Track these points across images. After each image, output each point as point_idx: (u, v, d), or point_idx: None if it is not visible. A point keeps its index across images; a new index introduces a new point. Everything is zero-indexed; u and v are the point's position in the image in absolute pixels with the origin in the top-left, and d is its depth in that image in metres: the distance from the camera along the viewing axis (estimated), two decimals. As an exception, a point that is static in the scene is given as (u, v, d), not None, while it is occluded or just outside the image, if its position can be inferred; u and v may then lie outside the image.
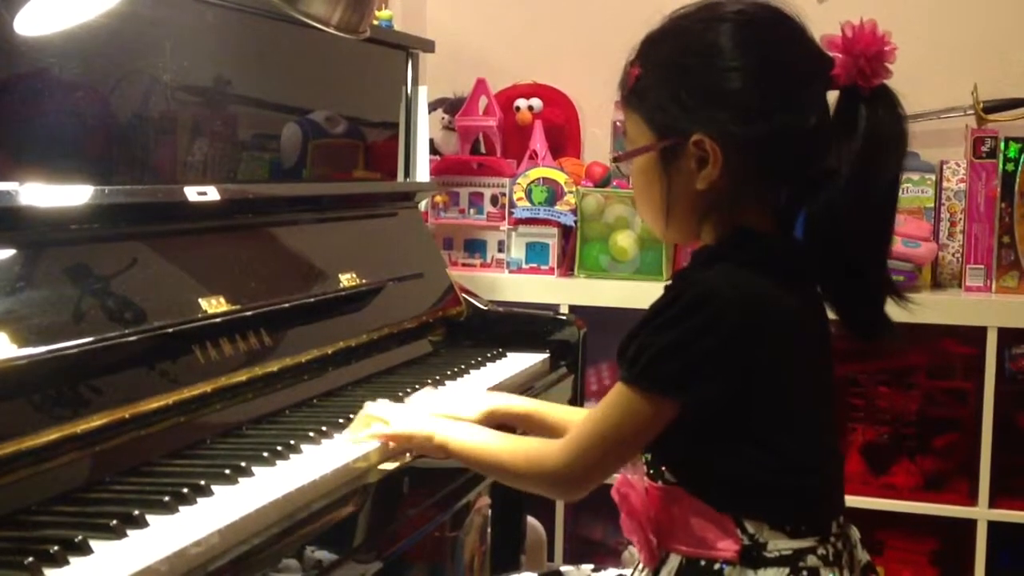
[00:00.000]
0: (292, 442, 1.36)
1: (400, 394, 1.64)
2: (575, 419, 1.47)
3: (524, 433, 1.49)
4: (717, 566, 1.17)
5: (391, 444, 1.39)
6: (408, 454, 1.40)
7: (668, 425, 1.17)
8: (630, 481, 1.25)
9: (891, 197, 1.21)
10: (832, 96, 1.21)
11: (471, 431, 1.37)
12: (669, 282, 1.24)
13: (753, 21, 1.19)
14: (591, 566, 1.42)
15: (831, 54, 1.19)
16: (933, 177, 2.54)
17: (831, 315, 1.25)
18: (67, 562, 1.00)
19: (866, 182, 1.17)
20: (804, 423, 1.20)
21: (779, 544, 1.16)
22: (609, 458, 1.21)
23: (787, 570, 1.15)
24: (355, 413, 1.52)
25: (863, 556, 1.25)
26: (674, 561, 1.20)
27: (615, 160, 1.31)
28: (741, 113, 1.16)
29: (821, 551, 1.17)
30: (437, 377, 1.78)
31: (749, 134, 1.16)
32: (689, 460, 1.19)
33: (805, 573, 1.16)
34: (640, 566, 1.28)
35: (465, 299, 2.16)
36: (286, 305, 1.63)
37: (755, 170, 1.18)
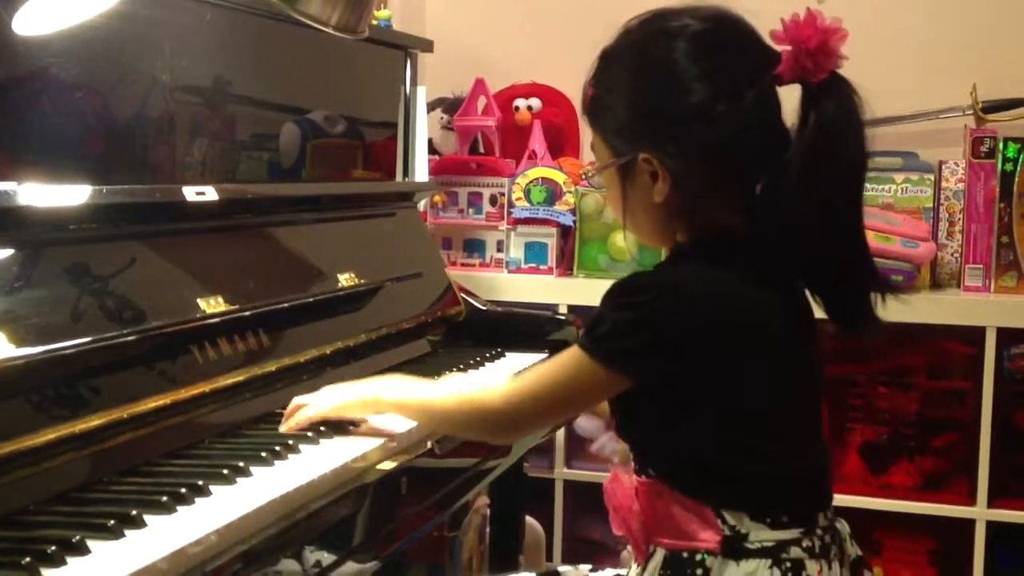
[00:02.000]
0: (290, 442, 1.36)
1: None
2: None
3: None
4: (699, 557, 1.17)
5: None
6: (406, 454, 1.40)
7: (645, 414, 1.20)
8: (619, 477, 1.26)
9: (850, 189, 1.20)
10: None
11: (404, 382, 1.41)
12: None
13: (695, 33, 1.20)
14: (589, 566, 1.42)
15: (779, 48, 1.18)
16: (932, 177, 2.54)
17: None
18: (65, 562, 0.99)
19: (817, 175, 1.16)
20: (780, 415, 1.21)
21: (761, 535, 1.16)
22: (548, 413, 1.28)
23: (769, 562, 1.16)
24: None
25: (853, 550, 1.25)
26: (659, 555, 1.21)
27: (584, 176, 1.37)
28: (685, 127, 1.18)
29: (806, 543, 1.17)
30: (436, 377, 1.77)
31: (694, 145, 1.18)
32: (666, 450, 1.21)
33: (788, 564, 1.16)
34: (634, 566, 1.28)
35: (464, 299, 2.16)
36: (284, 305, 1.63)
37: (712, 176, 1.20)
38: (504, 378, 1.33)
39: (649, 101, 1.21)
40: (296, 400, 1.45)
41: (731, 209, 1.22)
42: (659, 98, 1.20)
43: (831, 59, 1.16)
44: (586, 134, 2.87)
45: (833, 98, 1.17)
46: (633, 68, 1.23)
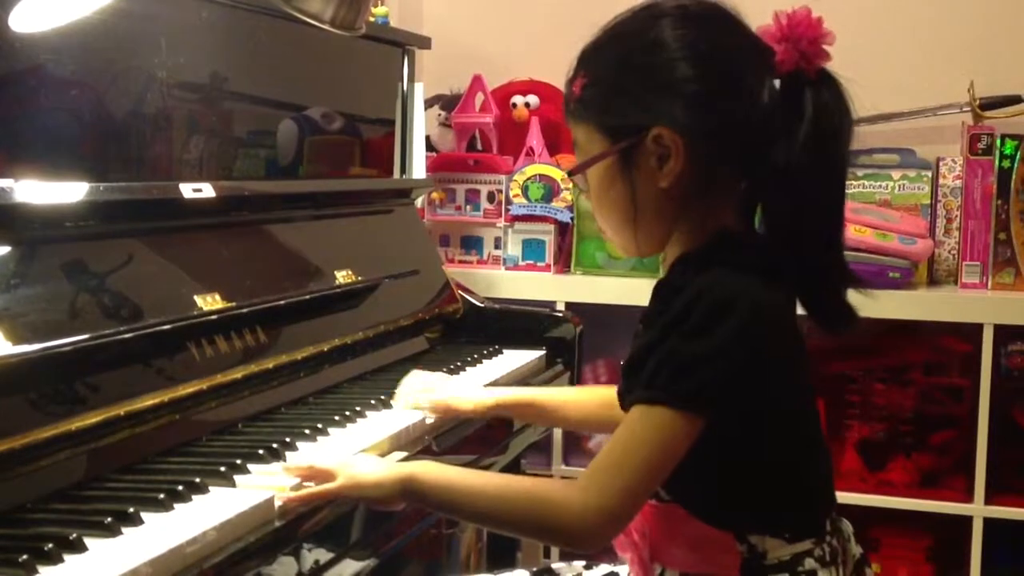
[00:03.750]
0: (288, 439, 1.36)
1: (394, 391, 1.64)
2: (583, 399, 1.47)
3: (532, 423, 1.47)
4: None
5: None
6: (404, 451, 1.39)
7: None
8: None
9: (843, 182, 1.19)
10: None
11: (445, 469, 1.18)
12: (657, 291, 1.21)
13: (694, 15, 1.18)
14: (583, 563, 1.42)
15: (770, 45, 1.17)
16: (929, 174, 2.54)
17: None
18: (62, 559, 1.00)
19: (819, 168, 1.14)
20: (804, 425, 1.20)
21: (779, 552, 1.14)
22: (639, 493, 1.10)
23: None
24: (351, 410, 1.52)
25: (856, 550, 1.24)
26: None
27: (570, 174, 1.23)
28: (695, 102, 1.14)
29: (818, 552, 1.16)
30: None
31: (707, 122, 1.14)
32: (694, 481, 1.15)
33: None
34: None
35: (461, 296, 2.16)
36: (282, 302, 1.63)
37: (719, 163, 1.16)
38: (574, 481, 1.11)
39: (663, 72, 1.15)
40: (312, 462, 1.22)
41: (732, 209, 1.19)
42: (670, 72, 1.15)
43: (824, 51, 1.16)
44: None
45: (828, 89, 1.16)
46: (635, 46, 1.18)
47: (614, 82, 1.18)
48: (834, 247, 1.18)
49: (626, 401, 1.13)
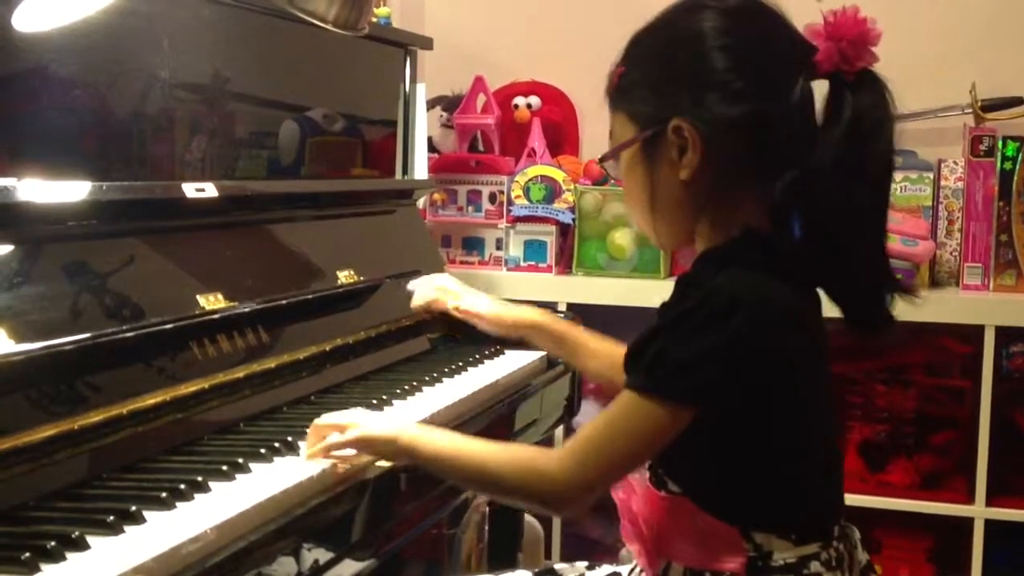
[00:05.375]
0: (290, 439, 1.36)
1: (398, 391, 1.64)
2: (612, 353, 1.52)
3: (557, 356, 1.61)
4: None
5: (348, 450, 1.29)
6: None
7: (681, 436, 1.12)
8: (632, 486, 1.22)
9: (883, 185, 1.18)
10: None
11: (444, 434, 1.27)
12: (679, 284, 1.20)
13: (733, 10, 1.19)
14: (585, 563, 1.42)
15: (814, 43, 1.16)
16: (931, 175, 2.55)
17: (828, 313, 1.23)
18: (64, 558, 1.00)
19: (855, 170, 1.13)
20: (815, 428, 1.19)
21: (785, 553, 1.14)
22: (616, 471, 1.15)
23: None
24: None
25: (863, 556, 1.24)
26: (676, 572, 1.19)
27: (601, 160, 1.28)
28: (720, 96, 1.14)
29: (824, 556, 1.16)
30: (435, 374, 1.78)
31: (729, 117, 1.14)
32: (700, 473, 1.16)
33: None
34: (637, 569, 1.27)
35: (463, 296, 2.16)
36: (284, 302, 1.63)
37: (742, 159, 1.16)
38: (560, 446, 1.18)
39: (692, 64, 1.16)
40: (321, 420, 1.31)
41: (760, 208, 1.17)
42: (699, 64, 1.16)
43: (867, 52, 1.15)
44: (586, 132, 2.91)
45: (869, 90, 1.15)
46: (669, 37, 1.21)
47: (646, 72, 1.21)
48: (874, 251, 1.18)
49: (625, 382, 1.15)
